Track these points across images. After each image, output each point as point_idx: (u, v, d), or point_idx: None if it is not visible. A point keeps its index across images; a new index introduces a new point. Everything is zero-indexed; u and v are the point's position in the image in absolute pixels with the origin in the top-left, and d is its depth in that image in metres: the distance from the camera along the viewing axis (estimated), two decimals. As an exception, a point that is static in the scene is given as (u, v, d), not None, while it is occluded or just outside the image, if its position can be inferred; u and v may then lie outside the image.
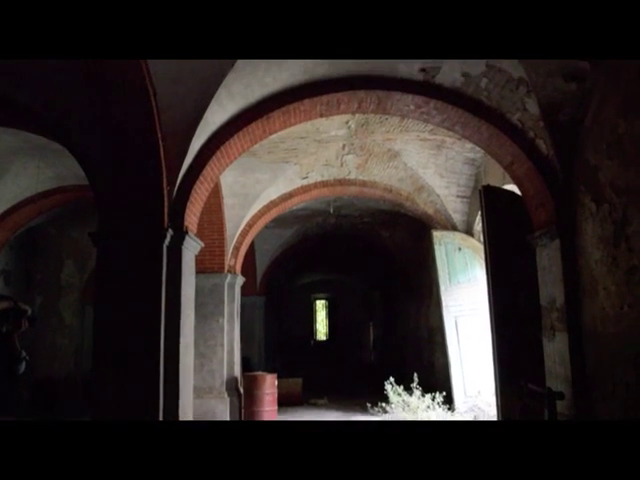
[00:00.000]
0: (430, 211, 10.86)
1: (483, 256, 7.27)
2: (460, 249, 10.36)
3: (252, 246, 13.94)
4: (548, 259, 5.91)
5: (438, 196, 10.44)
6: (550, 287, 5.86)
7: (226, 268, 10.21)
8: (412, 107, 6.32)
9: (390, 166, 9.94)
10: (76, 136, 5.82)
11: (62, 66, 5.02)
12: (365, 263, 21.12)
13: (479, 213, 8.45)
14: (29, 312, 3.11)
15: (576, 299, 5.44)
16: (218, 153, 6.02)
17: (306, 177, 10.17)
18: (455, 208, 10.66)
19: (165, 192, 5.73)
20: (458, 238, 10.46)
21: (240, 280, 10.95)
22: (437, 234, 10.51)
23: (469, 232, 10.56)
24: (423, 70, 5.83)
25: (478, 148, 7.52)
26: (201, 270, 9.22)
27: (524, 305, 6.47)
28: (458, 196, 10.49)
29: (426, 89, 6.01)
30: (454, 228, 10.73)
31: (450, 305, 10.20)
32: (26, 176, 9.87)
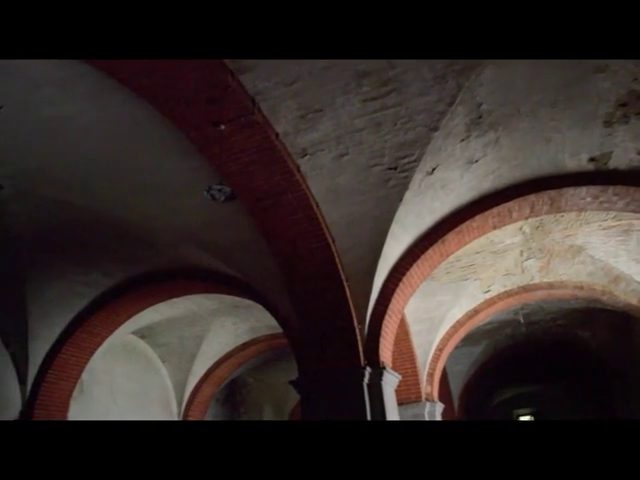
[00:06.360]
0: (634, 301, 9.86)
1: None
2: (683, 338, 9.14)
3: (444, 370, 13.49)
4: None
5: (639, 284, 9.49)
6: None
7: (423, 397, 9.90)
8: (589, 199, 6.06)
9: (576, 262, 9.35)
10: (270, 296, 6.43)
11: (259, 248, 5.83)
12: (567, 369, 19.36)
13: (695, 294, 7.49)
14: None
15: None
16: (401, 285, 6.15)
17: (488, 290, 9.91)
18: (663, 293, 9.59)
19: (357, 330, 5.90)
20: (677, 326, 9.27)
21: (440, 407, 10.48)
22: (650, 325, 9.42)
23: (687, 317, 9.33)
24: (592, 159, 5.63)
25: (675, 224, 6.86)
26: (398, 402, 9.03)
27: None
28: (663, 279, 9.46)
29: (600, 177, 5.79)
30: (668, 315, 9.57)
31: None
32: (224, 333, 11.08)
